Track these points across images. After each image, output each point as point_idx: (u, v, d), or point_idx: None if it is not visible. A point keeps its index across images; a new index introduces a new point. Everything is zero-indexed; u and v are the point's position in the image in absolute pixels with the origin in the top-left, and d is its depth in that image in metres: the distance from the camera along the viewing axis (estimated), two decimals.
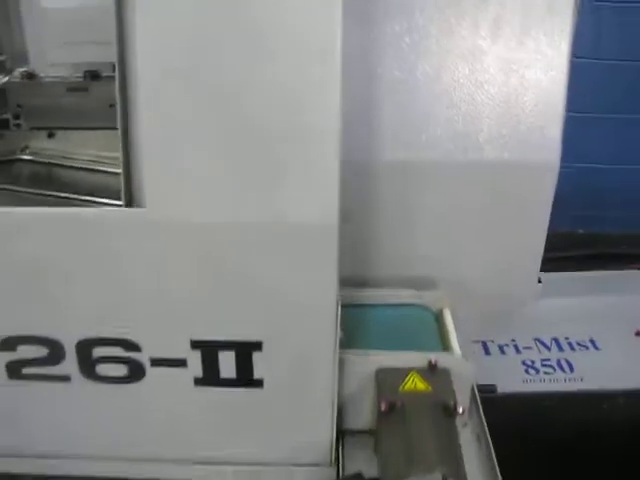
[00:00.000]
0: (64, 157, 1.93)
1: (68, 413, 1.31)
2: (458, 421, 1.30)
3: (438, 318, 1.45)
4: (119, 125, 1.08)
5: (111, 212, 1.16)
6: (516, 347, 2.45)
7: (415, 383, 1.25)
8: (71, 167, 1.89)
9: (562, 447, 1.57)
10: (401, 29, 1.32)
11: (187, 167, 1.08)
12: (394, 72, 1.36)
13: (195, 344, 1.20)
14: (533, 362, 2.37)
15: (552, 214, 3.69)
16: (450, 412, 1.22)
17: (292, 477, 1.34)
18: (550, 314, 2.55)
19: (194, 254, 1.14)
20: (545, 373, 2.33)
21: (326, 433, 1.29)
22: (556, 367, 2.36)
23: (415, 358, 1.28)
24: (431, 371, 1.27)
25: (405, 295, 1.46)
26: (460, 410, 1.28)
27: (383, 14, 1.33)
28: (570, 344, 2.45)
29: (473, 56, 1.36)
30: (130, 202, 1.12)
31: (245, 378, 1.23)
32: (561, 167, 3.51)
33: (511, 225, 1.44)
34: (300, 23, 1.03)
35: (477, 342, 2.43)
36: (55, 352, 1.23)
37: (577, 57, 3.32)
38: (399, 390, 1.24)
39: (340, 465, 1.32)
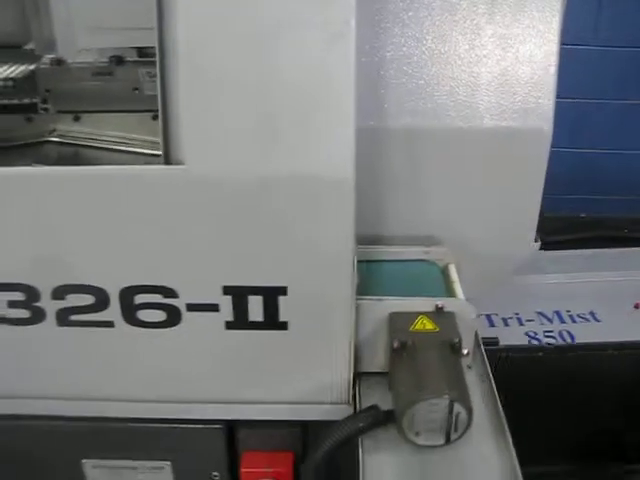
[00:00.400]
0: (91, 139, 2.08)
1: (111, 357, 1.48)
2: (463, 363, 1.47)
3: (444, 272, 1.62)
4: (158, 88, 1.25)
5: (153, 170, 1.33)
6: (519, 320, 2.62)
7: (424, 324, 1.42)
8: (98, 148, 2.05)
9: (558, 395, 1.74)
10: (405, 5, 1.50)
11: (222, 126, 1.25)
12: (402, 48, 1.53)
13: (227, 290, 1.38)
14: (536, 333, 2.55)
15: (555, 198, 3.87)
16: (456, 349, 1.39)
17: (314, 414, 1.51)
18: (553, 290, 2.73)
19: (228, 207, 1.31)
20: (548, 344, 2.51)
21: (344, 372, 1.46)
22: (558, 337, 2.54)
23: (424, 303, 1.45)
24: (438, 314, 1.44)
25: (413, 251, 1.64)
26: (465, 351, 1.45)
27: None
28: (571, 317, 2.63)
29: (472, 32, 1.53)
30: (169, 161, 1.30)
31: (271, 321, 1.40)
32: (564, 152, 3.70)
33: (509, 189, 1.61)
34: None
35: (481, 315, 2.61)
36: (101, 299, 1.40)
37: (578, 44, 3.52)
38: (410, 330, 1.41)
39: (357, 403, 1.49)
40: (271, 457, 1.57)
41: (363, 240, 1.60)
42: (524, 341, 2.49)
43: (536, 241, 1.67)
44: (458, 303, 1.48)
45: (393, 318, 1.44)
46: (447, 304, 1.45)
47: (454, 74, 1.56)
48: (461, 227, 1.65)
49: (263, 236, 1.34)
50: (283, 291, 1.38)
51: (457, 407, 1.30)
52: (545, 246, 3.20)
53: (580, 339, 2.49)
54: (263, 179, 1.28)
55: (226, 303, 1.39)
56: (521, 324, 2.61)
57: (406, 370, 1.36)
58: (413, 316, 1.44)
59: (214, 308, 1.40)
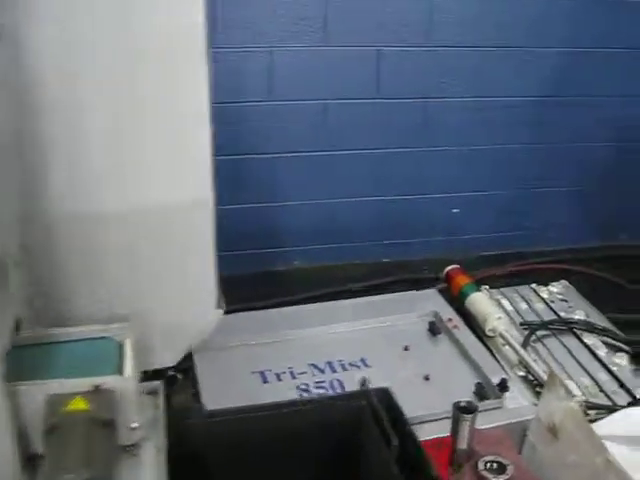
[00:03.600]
0: None
1: None
2: (137, 435, 1.54)
3: (122, 347, 1.69)
4: None
5: None
6: (292, 373, 2.71)
7: (78, 404, 1.48)
8: None
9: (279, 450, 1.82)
10: None
11: None
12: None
13: None
14: (308, 385, 2.64)
15: (360, 246, 4.00)
16: (107, 425, 1.45)
17: None
18: (326, 341, 2.84)
19: None
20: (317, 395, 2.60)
21: (8, 459, 1.50)
22: (328, 387, 2.63)
23: (82, 383, 1.52)
24: (96, 393, 1.51)
25: (92, 330, 1.70)
26: (133, 425, 1.52)
27: None
28: (343, 365, 2.73)
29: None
30: None
31: None
32: (366, 201, 3.84)
33: (180, 259, 1.69)
34: None
35: (255, 372, 2.69)
36: None
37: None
38: (62, 411, 1.47)
39: None
40: None
41: (47, 323, 1.65)
42: (295, 395, 2.56)
43: (219, 307, 1.75)
44: (118, 380, 1.54)
45: (50, 400, 1.50)
46: (106, 382, 1.52)
47: (117, 159, 1.64)
48: (145, 302, 1.72)
49: None
50: None
51: None
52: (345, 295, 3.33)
53: (349, 386, 2.58)
54: None
55: None
56: (294, 377, 2.69)
57: (53, 452, 1.42)
58: (69, 397, 1.49)
59: None
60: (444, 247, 4.12)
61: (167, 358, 1.74)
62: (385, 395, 1.86)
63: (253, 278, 3.95)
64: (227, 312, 3.52)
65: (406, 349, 2.81)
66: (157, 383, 1.71)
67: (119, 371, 1.62)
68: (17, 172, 1.54)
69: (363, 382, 1.78)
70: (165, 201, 1.64)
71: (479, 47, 3.78)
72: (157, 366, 1.72)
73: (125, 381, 1.55)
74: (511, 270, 3.89)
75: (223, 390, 2.53)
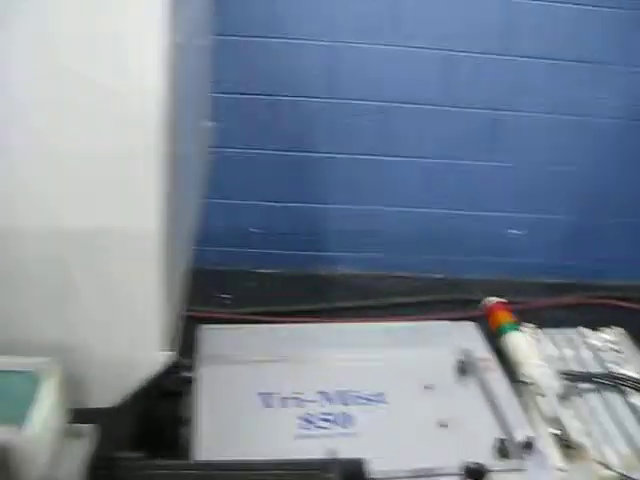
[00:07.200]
0: None
1: None
2: None
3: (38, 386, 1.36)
4: None
5: None
6: (299, 400, 2.38)
7: None
8: None
9: None
10: None
11: None
12: None
13: None
14: (311, 416, 2.30)
15: (407, 259, 3.65)
16: None
17: None
18: (343, 366, 2.50)
19: None
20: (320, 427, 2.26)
21: None
22: (334, 421, 2.29)
23: None
24: None
25: (15, 363, 1.38)
26: None
27: None
28: (356, 398, 2.39)
29: None
30: None
31: None
32: (414, 211, 3.47)
33: (121, 293, 1.37)
34: None
35: (262, 394, 2.37)
36: None
37: None
38: None
39: None
40: None
41: None
42: (295, 425, 2.24)
43: (169, 349, 1.43)
44: (14, 434, 1.22)
45: None
46: None
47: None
48: (80, 333, 1.41)
49: None
50: None
51: None
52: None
53: (359, 424, 2.24)
54: None
55: None
56: (300, 405, 2.35)
57: None
58: None
59: None
60: (500, 269, 3.72)
61: (103, 398, 1.42)
62: (357, 468, 1.49)
63: (293, 280, 3.67)
64: (246, 321, 3.26)
65: (429, 388, 2.43)
66: (85, 427, 1.39)
67: (20, 420, 1.27)
68: None
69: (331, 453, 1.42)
70: (98, 225, 1.31)
71: (554, 59, 3.34)
72: (91, 405, 1.40)
73: (24, 438, 1.23)
74: (564, 303, 3.49)
75: (221, 410, 2.23)
